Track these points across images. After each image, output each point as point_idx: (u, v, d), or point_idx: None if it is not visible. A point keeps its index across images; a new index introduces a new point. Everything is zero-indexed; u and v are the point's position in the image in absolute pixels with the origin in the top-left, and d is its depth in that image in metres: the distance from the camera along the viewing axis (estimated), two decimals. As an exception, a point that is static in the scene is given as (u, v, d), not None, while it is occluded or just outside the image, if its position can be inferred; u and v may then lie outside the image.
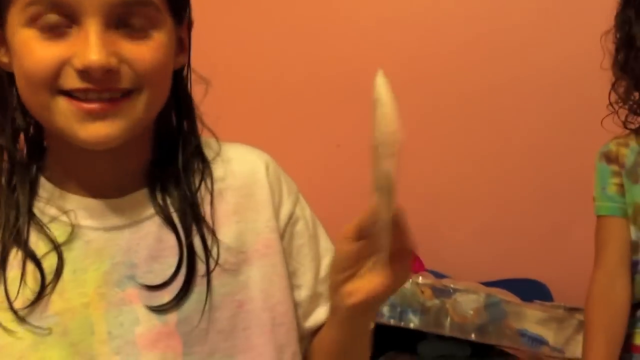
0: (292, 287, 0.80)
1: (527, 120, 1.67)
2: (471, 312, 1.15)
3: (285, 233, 0.80)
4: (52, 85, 0.68)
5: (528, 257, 1.63)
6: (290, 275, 0.80)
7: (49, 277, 0.71)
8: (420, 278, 1.16)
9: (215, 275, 0.74)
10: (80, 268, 0.72)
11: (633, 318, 1.26)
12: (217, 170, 0.78)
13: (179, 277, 0.73)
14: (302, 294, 0.81)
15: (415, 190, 1.73)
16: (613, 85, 1.24)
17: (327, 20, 1.77)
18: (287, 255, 0.80)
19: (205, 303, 0.73)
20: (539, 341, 1.24)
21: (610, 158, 1.26)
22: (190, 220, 0.75)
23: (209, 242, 0.75)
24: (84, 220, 0.73)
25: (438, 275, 1.50)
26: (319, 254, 0.83)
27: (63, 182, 0.75)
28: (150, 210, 0.75)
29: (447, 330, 1.15)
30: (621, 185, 1.25)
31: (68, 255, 0.72)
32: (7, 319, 0.70)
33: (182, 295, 0.73)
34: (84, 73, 0.67)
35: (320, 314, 0.81)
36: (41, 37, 0.68)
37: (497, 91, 1.67)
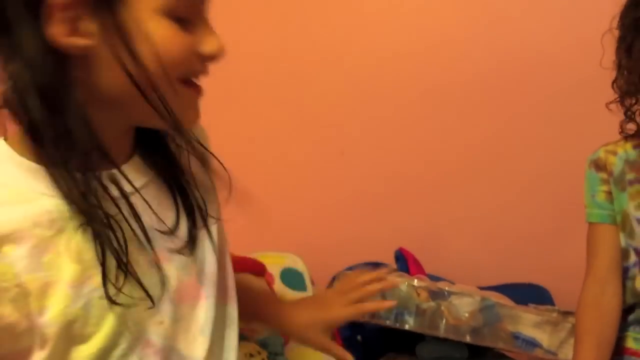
0: None
1: (529, 125, 1.70)
2: (466, 314, 1.19)
3: None
4: (181, 72, 0.74)
5: (530, 261, 1.65)
6: None
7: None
8: (416, 281, 1.20)
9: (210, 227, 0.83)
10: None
11: (625, 322, 1.29)
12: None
13: (183, 227, 0.80)
14: None
15: (417, 195, 1.77)
16: (613, 83, 1.24)
17: (330, 25, 1.80)
18: None
19: (213, 250, 0.83)
20: (532, 344, 1.28)
21: (599, 166, 1.29)
22: (180, 179, 0.82)
23: (198, 196, 0.83)
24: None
25: (439, 280, 1.54)
26: None
27: None
28: (147, 176, 0.80)
29: (442, 332, 1.19)
30: (609, 193, 1.27)
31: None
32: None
33: (193, 241, 0.81)
34: (210, 59, 0.75)
35: None
36: (177, 28, 0.72)
37: (499, 94, 1.70)
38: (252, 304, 1.06)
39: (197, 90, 0.77)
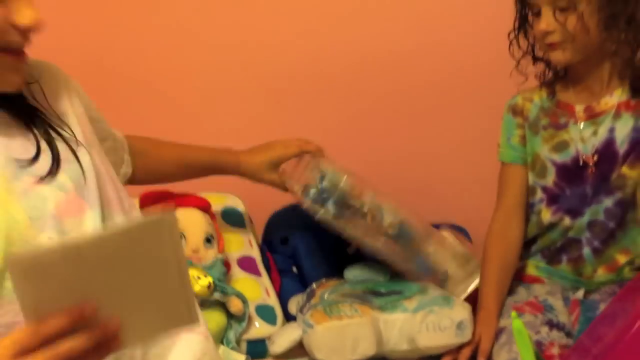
0: None
1: (449, 76, 1.78)
2: (386, 224, 1.29)
3: None
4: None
5: (450, 204, 1.75)
6: None
7: None
8: (346, 177, 1.27)
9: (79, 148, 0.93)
10: None
11: (527, 252, 1.41)
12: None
13: (47, 151, 0.88)
14: None
15: (345, 145, 1.86)
16: (510, 41, 1.37)
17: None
18: None
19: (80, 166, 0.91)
20: (427, 270, 1.38)
21: (516, 111, 1.40)
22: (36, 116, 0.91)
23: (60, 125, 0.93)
24: None
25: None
26: None
27: None
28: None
29: (358, 227, 1.27)
30: (524, 137, 1.38)
31: None
32: None
33: (57, 161, 0.88)
34: (25, 30, 0.81)
35: None
36: None
37: (416, 53, 1.76)
38: (210, 157, 1.29)
39: (17, 57, 0.83)
